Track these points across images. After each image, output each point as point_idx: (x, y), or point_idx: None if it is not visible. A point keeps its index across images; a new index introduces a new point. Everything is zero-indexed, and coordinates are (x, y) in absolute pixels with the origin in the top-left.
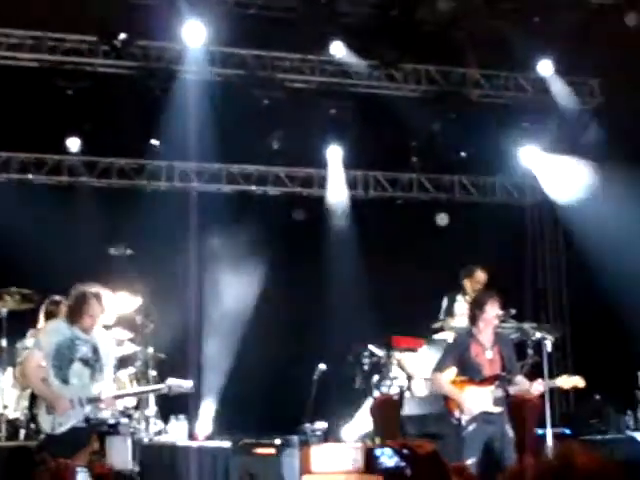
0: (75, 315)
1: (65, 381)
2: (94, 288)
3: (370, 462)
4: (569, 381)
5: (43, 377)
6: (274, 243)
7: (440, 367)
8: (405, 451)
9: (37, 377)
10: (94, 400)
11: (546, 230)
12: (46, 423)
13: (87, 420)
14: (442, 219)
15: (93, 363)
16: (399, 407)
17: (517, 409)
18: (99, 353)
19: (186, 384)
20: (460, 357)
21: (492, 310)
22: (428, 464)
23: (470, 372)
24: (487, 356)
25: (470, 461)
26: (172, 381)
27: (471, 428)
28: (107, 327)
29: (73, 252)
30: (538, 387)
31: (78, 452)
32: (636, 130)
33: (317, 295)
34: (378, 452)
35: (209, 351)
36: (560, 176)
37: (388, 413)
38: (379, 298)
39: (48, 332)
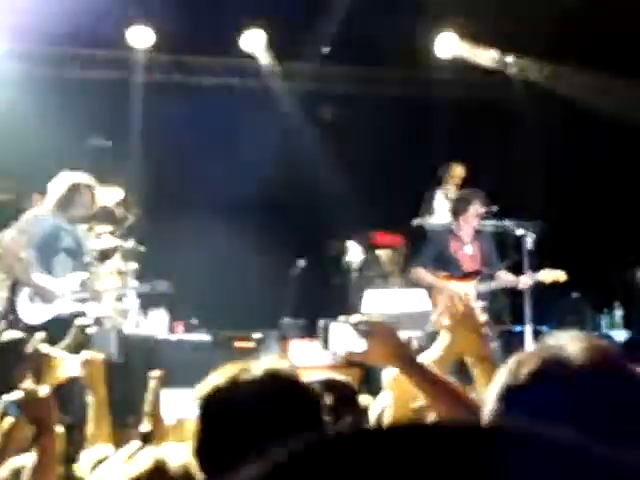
0: (64, 204)
1: (49, 271)
2: (84, 178)
3: (325, 337)
4: (550, 275)
5: (25, 264)
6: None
7: (420, 262)
8: (361, 326)
9: (22, 265)
10: (77, 292)
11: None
12: (28, 312)
13: (67, 310)
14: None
15: (76, 254)
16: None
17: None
18: (82, 244)
19: (166, 285)
20: (439, 253)
21: (474, 208)
22: (384, 339)
23: (450, 268)
24: (467, 251)
25: None
26: (154, 282)
27: None
28: (87, 219)
29: (54, 142)
30: (526, 280)
31: (62, 342)
32: None
33: (298, 189)
34: (332, 327)
35: (187, 241)
36: None
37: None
38: (360, 192)
39: (33, 221)
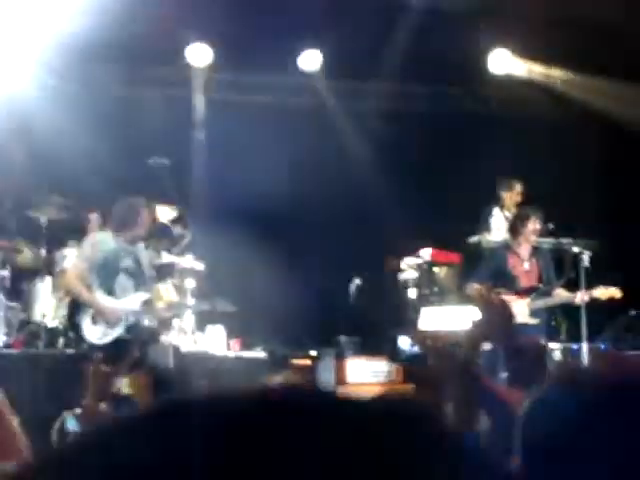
0: (125, 226)
1: (110, 292)
2: (143, 200)
3: (392, 350)
4: (606, 292)
5: (87, 287)
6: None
7: (477, 277)
8: (427, 341)
9: (83, 287)
10: (140, 313)
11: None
12: (91, 333)
13: (128, 330)
14: None
15: (136, 274)
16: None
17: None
18: (142, 264)
19: (229, 305)
20: (497, 270)
21: (533, 225)
22: (448, 354)
23: (507, 284)
24: (524, 268)
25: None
26: (217, 301)
27: None
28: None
29: (113, 162)
30: (582, 297)
31: (122, 362)
32: None
33: (353, 207)
34: (399, 340)
35: (245, 259)
36: None
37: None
38: (415, 211)
39: (94, 243)
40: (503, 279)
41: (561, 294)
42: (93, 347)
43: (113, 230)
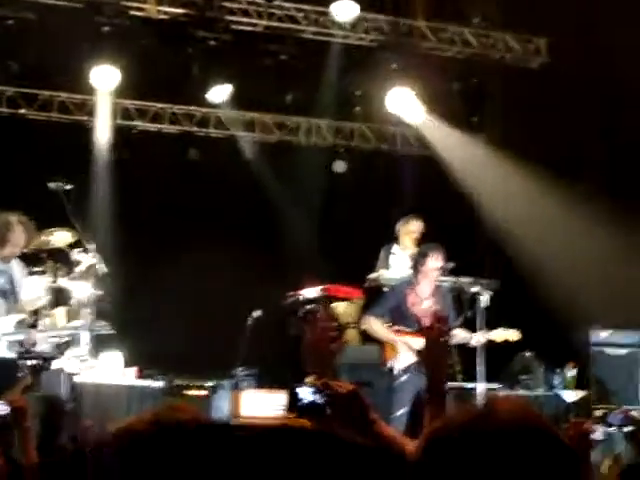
0: None
1: None
2: (18, 216)
3: (291, 400)
4: (503, 334)
5: None
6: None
7: (374, 312)
8: (326, 390)
9: None
10: (13, 335)
11: None
12: None
13: (20, 354)
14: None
15: (9, 295)
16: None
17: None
18: (14, 284)
19: (107, 328)
20: (396, 306)
21: (433, 263)
22: (348, 403)
23: (405, 322)
24: (424, 307)
25: (400, 412)
26: (92, 323)
27: (403, 378)
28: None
29: (10, 184)
30: (480, 338)
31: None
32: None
33: (255, 241)
34: (299, 390)
35: (146, 287)
36: None
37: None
38: (317, 247)
39: None
40: (402, 317)
41: (458, 335)
42: None
43: None
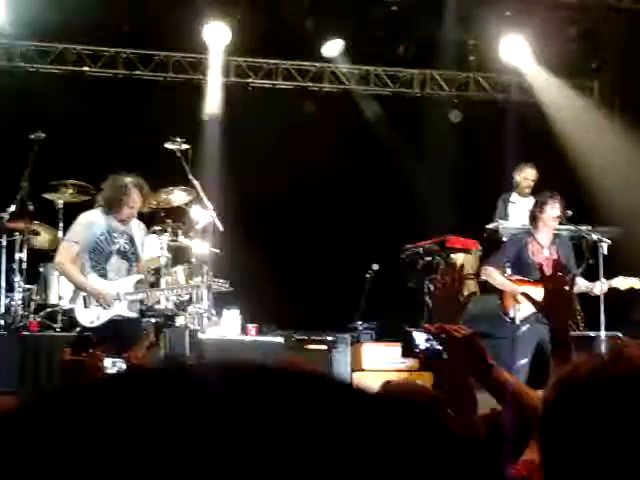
0: (114, 205)
1: (104, 275)
2: (134, 178)
3: (407, 345)
4: (626, 282)
5: (79, 269)
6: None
7: (494, 262)
8: (442, 335)
9: (76, 270)
10: (133, 294)
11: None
12: (83, 316)
13: (143, 312)
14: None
15: (130, 255)
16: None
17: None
18: (136, 244)
19: (225, 284)
20: (516, 256)
21: (552, 211)
22: (464, 347)
23: (526, 271)
24: (544, 255)
25: (522, 362)
26: (210, 280)
27: (524, 328)
28: (160, 219)
29: (129, 146)
30: (602, 287)
31: (120, 344)
32: None
33: (371, 194)
34: (415, 335)
35: (263, 245)
36: None
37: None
38: (430, 198)
39: (85, 225)
40: (523, 266)
41: (580, 283)
42: (86, 330)
43: (103, 210)
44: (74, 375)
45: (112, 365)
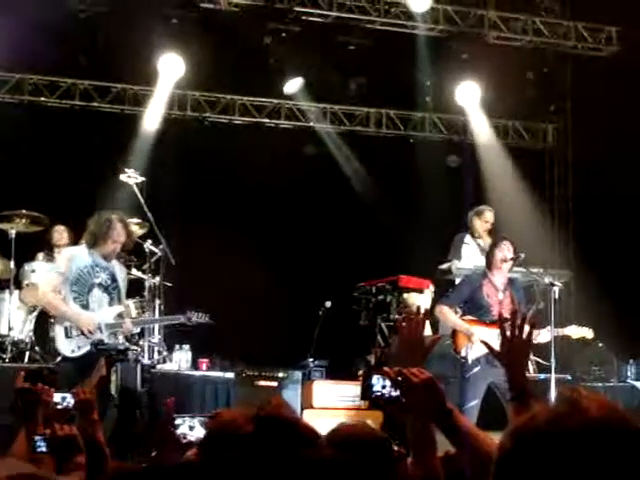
0: (98, 240)
1: (85, 307)
2: (119, 214)
3: (365, 389)
4: (578, 331)
5: (62, 300)
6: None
7: (449, 302)
8: (399, 379)
9: (58, 299)
10: (113, 326)
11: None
12: (64, 346)
13: (95, 345)
14: (453, 161)
15: (111, 290)
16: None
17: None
18: (117, 280)
19: (205, 317)
20: (471, 296)
21: (501, 254)
22: (423, 392)
23: (480, 312)
24: (499, 298)
25: (473, 403)
26: (192, 313)
27: (476, 369)
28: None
29: (83, 177)
30: (546, 334)
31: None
32: None
33: (326, 232)
34: (373, 380)
35: (214, 282)
36: None
37: (418, 346)
38: (386, 237)
39: (69, 257)
40: (477, 307)
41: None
42: (66, 359)
43: (87, 245)
44: (26, 402)
45: (62, 400)
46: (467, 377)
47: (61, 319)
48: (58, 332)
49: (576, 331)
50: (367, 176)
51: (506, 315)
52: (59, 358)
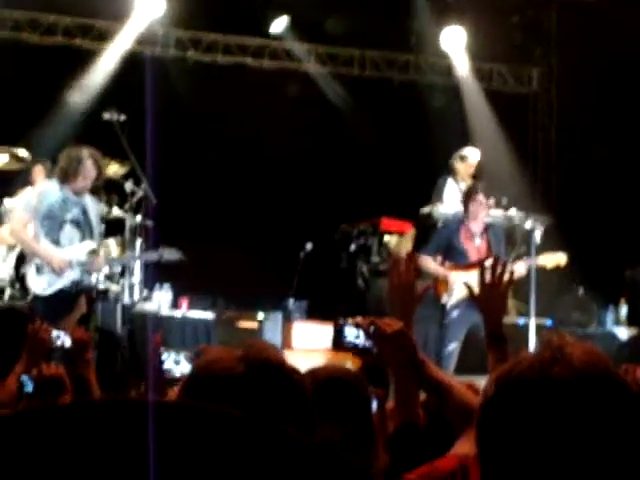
0: (68, 176)
1: (56, 242)
2: (89, 150)
3: (337, 339)
4: (551, 259)
5: (33, 237)
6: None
7: (427, 251)
8: (371, 329)
9: (28, 236)
10: (84, 263)
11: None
12: (35, 283)
13: (76, 284)
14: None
15: (83, 225)
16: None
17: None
18: (89, 215)
19: (177, 253)
20: (448, 242)
21: (474, 207)
22: (395, 342)
23: (457, 258)
24: (475, 244)
25: (452, 346)
26: (163, 250)
27: (455, 314)
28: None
29: (66, 115)
30: (520, 266)
31: (65, 315)
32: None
33: (308, 172)
34: (346, 329)
35: (196, 218)
36: None
37: (407, 295)
38: (370, 178)
39: (39, 193)
40: (453, 252)
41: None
42: (37, 298)
43: (58, 180)
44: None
45: (56, 338)
46: (446, 322)
47: (32, 256)
48: (29, 270)
49: (549, 259)
50: (359, 113)
51: (486, 262)
52: (30, 297)
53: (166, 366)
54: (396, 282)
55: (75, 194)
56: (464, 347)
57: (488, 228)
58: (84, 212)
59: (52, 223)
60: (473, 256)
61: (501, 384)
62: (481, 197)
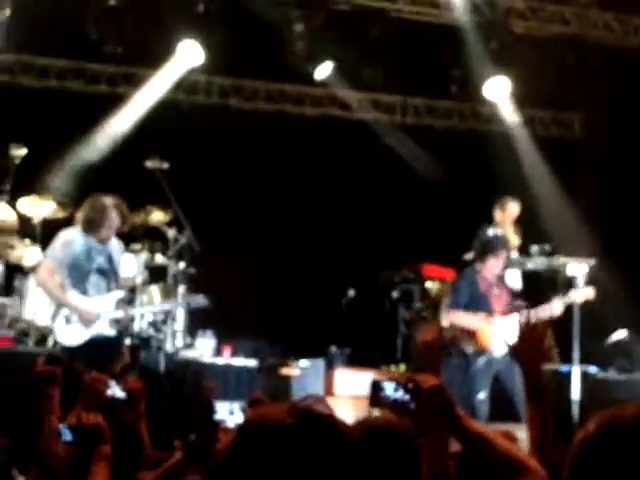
0: (92, 226)
1: (84, 292)
2: (114, 199)
3: (375, 395)
4: (581, 293)
5: (60, 286)
6: (306, 163)
7: (456, 304)
8: (410, 385)
9: (56, 286)
10: (113, 312)
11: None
12: (65, 334)
13: (120, 332)
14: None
15: (109, 273)
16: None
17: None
18: (114, 263)
19: (201, 299)
20: (470, 292)
21: (500, 256)
22: (432, 398)
23: (481, 307)
24: (494, 292)
25: (482, 395)
26: (187, 297)
27: (481, 362)
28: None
29: (109, 163)
30: (558, 305)
31: (106, 364)
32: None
33: (350, 219)
34: (384, 385)
35: (240, 267)
36: None
37: (433, 352)
38: (412, 224)
39: (63, 244)
40: (477, 302)
41: (541, 309)
42: (65, 349)
43: (82, 229)
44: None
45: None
46: (472, 371)
47: (59, 306)
48: (58, 320)
49: (578, 294)
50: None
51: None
52: (58, 346)
53: (219, 416)
54: (424, 339)
55: (99, 242)
56: (492, 394)
57: (501, 274)
58: (109, 260)
59: (78, 273)
60: (496, 303)
61: (604, 431)
62: (503, 254)
